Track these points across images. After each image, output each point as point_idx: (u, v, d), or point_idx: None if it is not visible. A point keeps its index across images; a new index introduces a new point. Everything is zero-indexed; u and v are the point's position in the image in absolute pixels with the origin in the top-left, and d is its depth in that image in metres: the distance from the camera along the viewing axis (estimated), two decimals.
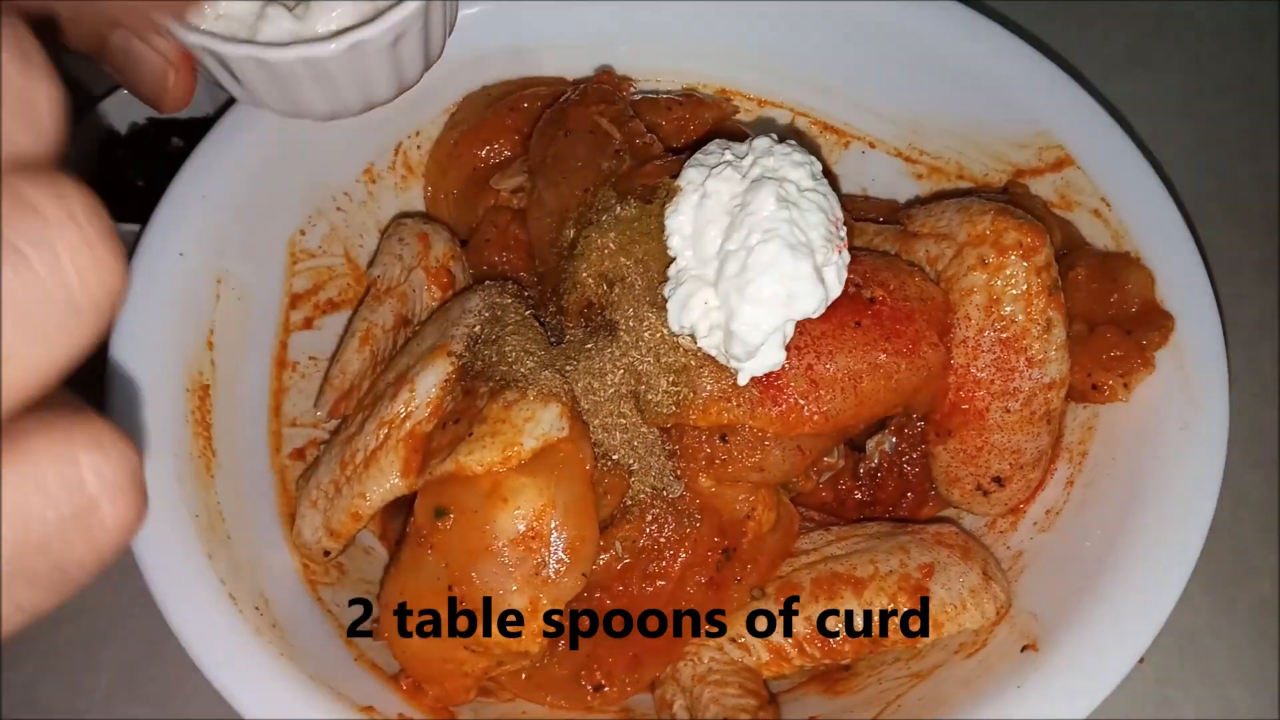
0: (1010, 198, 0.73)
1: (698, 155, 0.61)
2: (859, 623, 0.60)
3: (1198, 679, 0.72)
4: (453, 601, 0.56)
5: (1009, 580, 0.63)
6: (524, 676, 0.61)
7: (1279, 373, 0.83)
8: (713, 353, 0.58)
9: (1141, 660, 0.55)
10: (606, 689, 0.62)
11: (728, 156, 0.60)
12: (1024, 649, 0.57)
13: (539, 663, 0.60)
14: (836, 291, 0.58)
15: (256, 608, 0.58)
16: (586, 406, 0.61)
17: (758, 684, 0.60)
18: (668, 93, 0.83)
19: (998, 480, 0.65)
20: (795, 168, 0.58)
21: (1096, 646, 0.55)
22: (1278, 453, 0.79)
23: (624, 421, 0.61)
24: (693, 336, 0.59)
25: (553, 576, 0.55)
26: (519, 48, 0.82)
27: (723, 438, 0.60)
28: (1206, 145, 0.96)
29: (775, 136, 0.61)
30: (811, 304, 0.56)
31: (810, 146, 0.78)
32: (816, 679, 0.64)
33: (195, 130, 0.82)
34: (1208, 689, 0.71)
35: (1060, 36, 0.96)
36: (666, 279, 0.61)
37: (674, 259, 0.60)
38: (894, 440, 0.70)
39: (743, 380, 0.58)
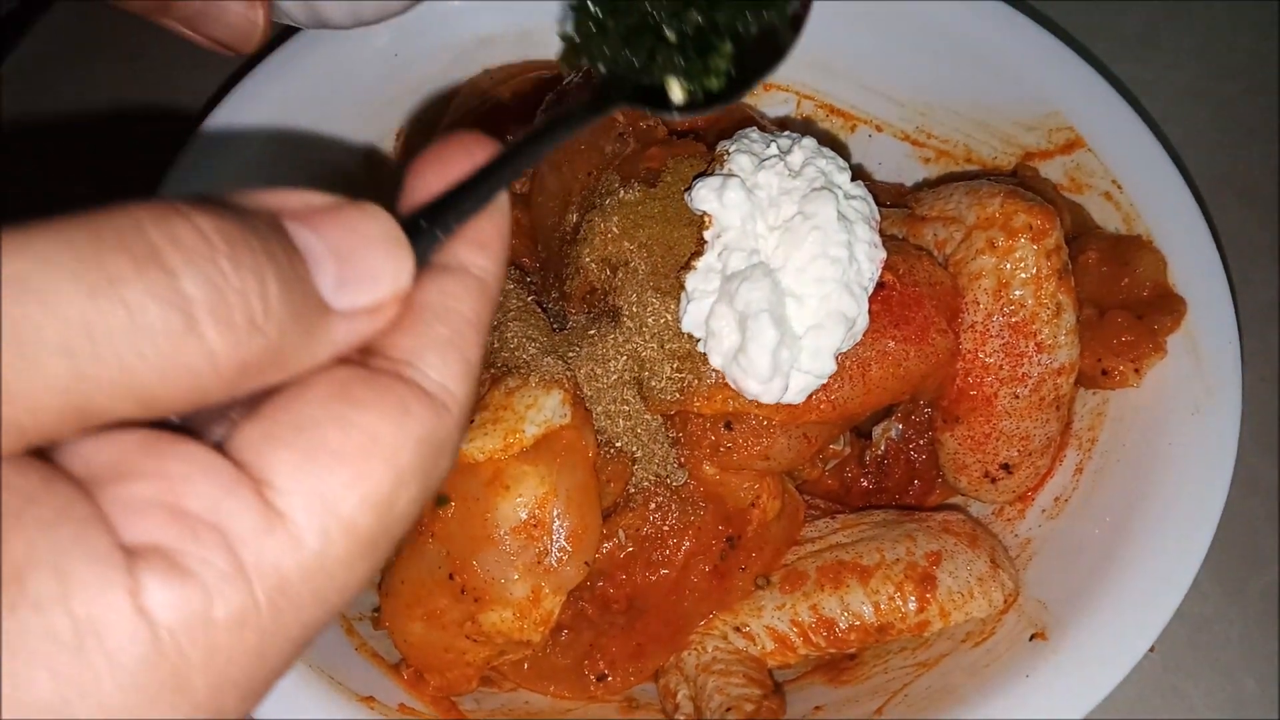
0: (1019, 181, 0.72)
1: (742, 142, 0.60)
2: (865, 611, 0.59)
3: (1207, 667, 0.71)
4: (454, 589, 0.55)
5: (1017, 568, 0.62)
6: (526, 666, 0.61)
7: None
8: (717, 362, 0.57)
9: (1152, 649, 0.54)
10: (609, 678, 0.61)
11: (773, 149, 0.59)
12: (1032, 638, 0.57)
13: (541, 652, 0.60)
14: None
15: None
16: (589, 393, 0.60)
17: (762, 673, 0.60)
18: None
19: (1006, 467, 0.64)
20: (840, 172, 0.59)
21: (1106, 635, 0.55)
22: None
23: (627, 408, 0.61)
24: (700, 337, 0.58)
25: (555, 565, 0.54)
26: (522, 32, 0.81)
27: (727, 425, 0.60)
28: (1217, 128, 0.95)
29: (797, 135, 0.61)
30: (847, 343, 0.57)
31: (832, 144, 0.77)
32: (821, 668, 0.63)
33: None
34: (1216, 677, 0.71)
35: (1071, 17, 0.94)
36: (675, 264, 0.60)
37: (704, 246, 0.58)
38: (900, 427, 0.69)
39: (749, 395, 0.57)
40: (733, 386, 0.57)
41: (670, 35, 0.46)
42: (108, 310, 0.22)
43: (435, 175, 0.32)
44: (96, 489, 0.23)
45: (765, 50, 0.48)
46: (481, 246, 0.32)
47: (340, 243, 0.27)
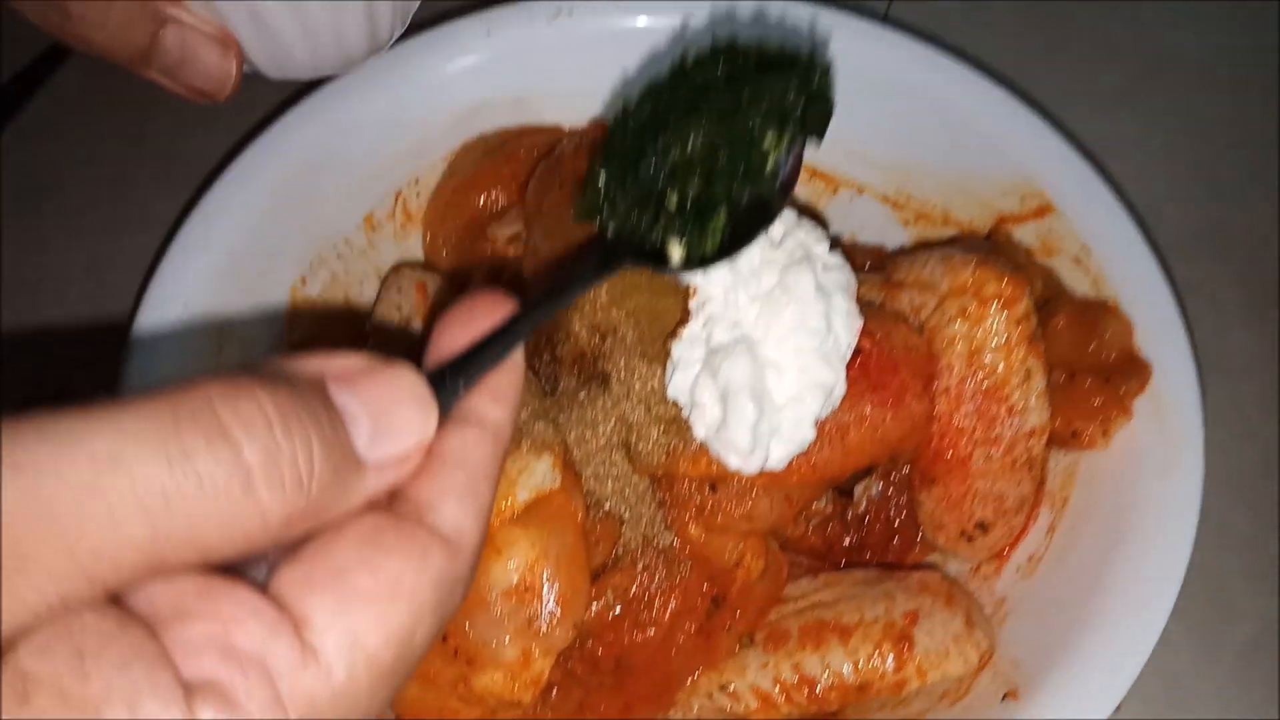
0: (994, 245, 0.75)
1: None
2: (845, 670, 0.61)
3: None
4: (446, 652, 0.57)
5: (992, 626, 0.64)
6: None
7: (1264, 412, 0.84)
8: (701, 434, 0.60)
9: (1118, 708, 0.56)
10: None
11: None
12: (1005, 697, 0.59)
13: (531, 711, 0.61)
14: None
15: None
16: (579, 456, 0.62)
17: None
18: None
19: (981, 526, 0.67)
20: (819, 243, 0.61)
21: (1073, 694, 0.56)
22: (1260, 492, 0.80)
23: (615, 471, 0.63)
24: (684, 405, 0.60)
25: (545, 628, 0.57)
26: (518, 99, 0.85)
27: (712, 487, 0.62)
28: (1195, 184, 0.97)
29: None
30: (826, 410, 0.59)
31: (811, 213, 0.80)
32: None
33: None
34: None
35: (1050, 76, 0.97)
36: (661, 332, 0.62)
37: (689, 316, 0.61)
38: (880, 485, 0.71)
39: (731, 468, 0.59)
40: (715, 458, 0.59)
41: (672, 204, 0.51)
42: (182, 479, 0.26)
43: (461, 331, 0.37)
44: (160, 629, 0.27)
45: (757, 214, 0.54)
46: (497, 399, 0.36)
47: (374, 402, 0.31)
